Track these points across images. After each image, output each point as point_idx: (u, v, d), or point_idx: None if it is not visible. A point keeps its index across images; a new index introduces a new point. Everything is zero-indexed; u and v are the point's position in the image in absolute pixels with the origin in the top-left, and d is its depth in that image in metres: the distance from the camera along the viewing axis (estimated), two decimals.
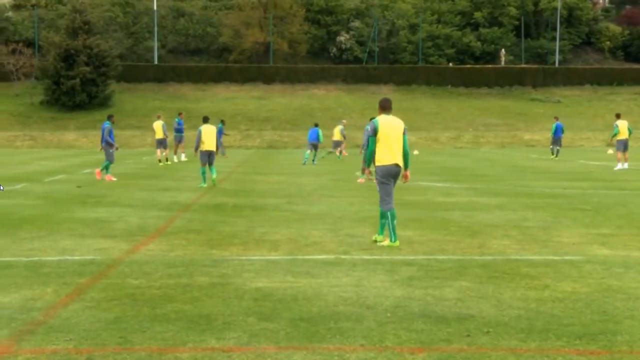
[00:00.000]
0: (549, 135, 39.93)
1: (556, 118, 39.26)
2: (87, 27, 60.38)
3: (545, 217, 13.52)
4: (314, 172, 26.29)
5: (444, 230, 11.86)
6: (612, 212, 14.31)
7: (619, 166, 27.54)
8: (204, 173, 20.10)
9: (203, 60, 72.67)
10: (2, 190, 17.44)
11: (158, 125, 30.82)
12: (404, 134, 10.41)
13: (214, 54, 74.00)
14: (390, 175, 10.42)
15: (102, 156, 23.30)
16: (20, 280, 8.08)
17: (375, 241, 10.58)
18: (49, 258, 9.37)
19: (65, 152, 43.13)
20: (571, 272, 8.55)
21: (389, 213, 10.37)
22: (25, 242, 10.58)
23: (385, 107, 10.48)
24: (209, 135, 19.81)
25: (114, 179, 21.87)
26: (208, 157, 19.85)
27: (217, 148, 20.49)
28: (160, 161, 30.40)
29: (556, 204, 15.84)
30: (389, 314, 6.67)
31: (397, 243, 10.31)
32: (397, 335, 6.01)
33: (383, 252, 9.86)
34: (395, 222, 10.39)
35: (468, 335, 6.02)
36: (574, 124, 59.46)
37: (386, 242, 10.43)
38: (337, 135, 36.45)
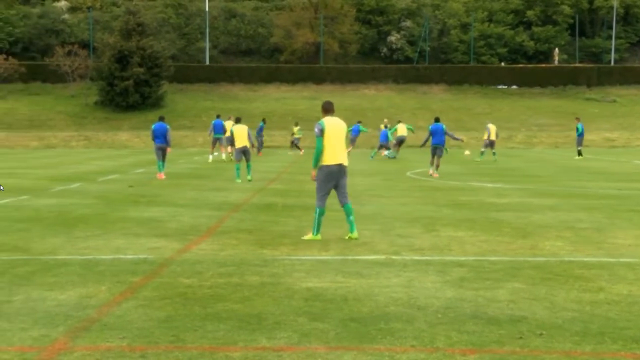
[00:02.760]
0: (575, 135, 39.10)
1: (578, 119, 38.98)
2: (140, 28, 61.22)
3: (599, 219, 13.29)
4: (365, 172, 26.25)
5: (496, 231, 11.74)
6: None
7: None
8: (238, 169, 21.79)
9: (254, 60, 73.14)
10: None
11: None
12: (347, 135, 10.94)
13: (265, 55, 74.42)
14: (332, 174, 10.88)
15: (154, 156, 23.59)
16: (75, 278, 8.23)
17: (350, 238, 10.98)
18: (103, 257, 9.52)
19: (119, 152, 43.80)
20: (627, 275, 8.39)
21: (317, 209, 10.92)
22: (80, 241, 10.77)
23: (328, 109, 10.94)
24: (241, 133, 21.67)
25: (164, 177, 22.50)
26: (243, 154, 21.71)
27: (252, 145, 22.30)
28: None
29: (611, 205, 15.56)
30: (439, 315, 6.63)
31: (319, 237, 10.88)
32: (448, 337, 5.96)
33: (434, 253, 9.80)
34: (321, 218, 10.94)
35: (520, 338, 5.95)
36: (630, 124, 58.38)
37: (308, 236, 10.93)
38: (401, 130, 36.78)
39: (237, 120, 23.17)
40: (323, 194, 11.00)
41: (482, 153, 35.00)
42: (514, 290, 7.61)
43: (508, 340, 5.88)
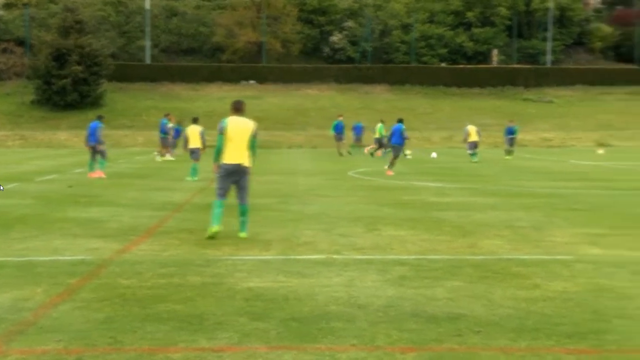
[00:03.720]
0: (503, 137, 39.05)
1: (511, 121, 39.31)
2: (78, 26, 60.18)
3: (537, 217, 13.55)
4: (308, 171, 26.30)
5: (437, 230, 11.87)
6: (604, 212, 14.36)
7: None
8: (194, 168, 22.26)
9: (196, 59, 72.57)
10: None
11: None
12: (254, 135, 11.05)
13: (206, 54, 73.91)
14: (229, 173, 11.02)
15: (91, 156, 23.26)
16: (11, 280, 8.06)
17: (239, 237, 11.06)
18: (41, 258, 9.35)
19: (57, 151, 43.02)
20: (562, 272, 8.58)
21: (216, 201, 11.06)
22: (17, 242, 10.56)
23: (235, 108, 11.09)
24: (194, 134, 22.17)
25: (104, 176, 22.22)
26: (191, 154, 22.16)
27: (203, 147, 22.14)
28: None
29: (549, 203, 15.88)
30: (380, 314, 6.68)
31: (216, 228, 10.90)
32: (389, 335, 6.02)
33: (375, 252, 9.87)
34: (218, 211, 10.95)
35: (459, 335, 6.04)
36: (566, 124, 59.63)
37: (214, 229, 10.95)
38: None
39: (194, 121, 23.34)
40: (221, 190, 11.14)
41: (472, 155, 33.77)
42: (453, 289, 7.71)
43: (447, 338, 5.96)
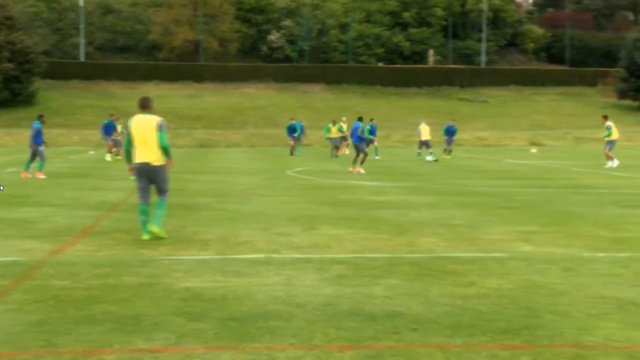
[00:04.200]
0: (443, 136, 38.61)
1: (452, 120, 39.38)
2: (9, 22, 58.87)
3: (472, 215, 13.75)
4: (246, 171, 26.21)
5: (375, 229, 11.95)
6: (536, 210, 14.66)
7: (610, 164, 27.91)
8: None
9: (131, 57, 71.69)
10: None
11: None
12: (160, 130, 10.58)
13: (143, 52, 73.07)
14: (140, 172, 10.71)
15: (28, 155, 22.77)
16: None
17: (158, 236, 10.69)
18: None
19: None
20: (496, 269, 8.72)
21: (139, 207, 10.83)
22: None
23: (141, 106, 10.81)
24: None
25: (44, 176, 21.74)
26: None
27: None
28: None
29: (483, 202, 16.14)
30: (318, 313, 6.69)
31: (147, 237, 10.60)
32: (326, 334, 6.03)
33: (313, 251, 9.89)
34: (143, 218, 10.71)
35: (396, 333, 6.08)
36: (501, 124, 60.71)
37: (144, 238, 10.64)
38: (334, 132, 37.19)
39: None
40: (139, 192, 10.89)
41: (418, 154, 34.02)
42: (390, 287, 7.77)
43: (384, 336, 6.01)
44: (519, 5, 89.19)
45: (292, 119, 41.06)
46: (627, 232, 11.72)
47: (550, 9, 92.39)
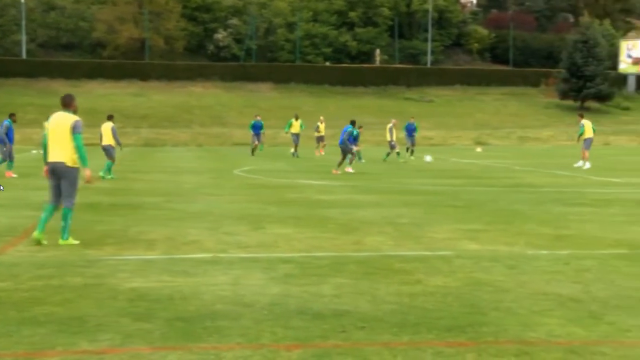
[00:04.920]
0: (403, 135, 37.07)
1: (412, 118, 38.54)
2: None
3: (419, 214, 13.88)
4: (193, 170, 26.03)
5: (322, 228, 11.97)
6: (482, 208, 14.85)
7: (581, 164, 27.71)
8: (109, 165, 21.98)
9: (75, 55, 70.58)
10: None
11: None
12: (73, 132, 10.01)
13: (87, 50, 71.99)
14: (50, 172, 10.21)
15: None
16: None
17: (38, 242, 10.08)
18: None
19: None
20: (442, 267, 8.82)
21: (45, 205, 10.53)
22: None
23: (62, 103, 10.39)
24: (106, 131, 22.01)
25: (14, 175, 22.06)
26: (104, 152, 21.85)
27: (118, 143, 22.28)
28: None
29: (430, 200, 16.29)
30: (265, 312, 6.69)
31: (41, 236, 10.05)
32: (274, 333, 6.03)
33: (261, 250, 9.87)
34: (43, 216, 10.24)
35: (343, 331, 6.11)
36: (446, 123, 61.34)
37: (34, 235, 10.15)
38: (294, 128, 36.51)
39: (108, 118, 22.82)
40: (49, 191, 10.40)
41: (398, 154, 33.07)
42: (338, 285, 7.80)
43: (332, 334, 6.03)
44: (463, 6, 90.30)
45: (257, 115, 39.78)
46: (568, 229, 11.96)
47: (494, 10, 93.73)
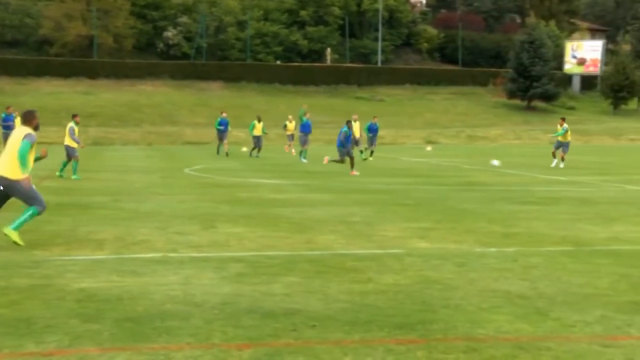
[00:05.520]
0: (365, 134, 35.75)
1: (374, 117, 36.96)
2: None
3: (370, 213, 13.95)
4: (144, 169, 25.77)
5: (274, 227, 11.97)
6: (432, 207, 15.00)
7: (555, 164, 27.90)
8: (65, 165, 21.89)
9: (21, 52, 69.27)
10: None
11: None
12: (23, 139, 9.73)
13: (33, 47, 70.70)
14: None
15: None
16: None
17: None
18: None
19: None
20: (394, 265, 8.88)
21: None
22: None
23: (21, 120, 10.29)
24: (66, 132, 21.67)
25: None
26: (65, 151, 21.70)
27: (78, 142, 21.81)
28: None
29: (381, 199, 16.39)
30: (216, 311, 6.66)
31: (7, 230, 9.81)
32: (224, 332, 6.01)
33: (212, 250, 9.83)
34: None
35: (295, 330, 6.12)
36: (397, 122, 61.72)
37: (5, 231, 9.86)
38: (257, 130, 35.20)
39: (72, 117, 22.39)
40: None
41: (361, 152, 32.78)
42: (289, 284, 7.80)
43: (283, 333, 6.03)
44: (413, 6, 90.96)
45: (223, 112, 38.66)
46: (516, 227, 12.14)
47: (443, 10, 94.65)
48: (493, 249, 10.06)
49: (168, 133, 52.51)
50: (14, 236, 9.81)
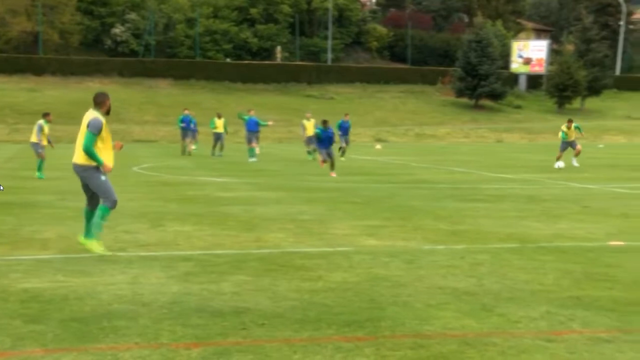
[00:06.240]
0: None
1: (346, 114, 35.97)
2: None
3: (320, 210, 13.98)
4: None
5: (223, 225, 11.92)
6: (381, 205, 15.09)
7: (562, 164, 26.52)
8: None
9: None
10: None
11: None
12: (87, 129, 9.23)
13: None
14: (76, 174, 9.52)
15: None
16: None
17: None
18: None
19: None
20: (343, 263, 8.92)
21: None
22: None
23: (93, 101, 9.52)
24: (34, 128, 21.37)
25: None
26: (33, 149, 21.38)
27: (49, 141, 21.68)
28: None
29: (330, 197, 16.43)
30: (165, 311, 6.61)
31: (84, 241, 9.35)
32: (173, 332, 5.97)
33: (160, 249, 9.75)
34: (86, 220, 9.51)
35: (244, 328, 6.11)
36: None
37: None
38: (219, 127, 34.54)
39: (43, 116, 22.05)
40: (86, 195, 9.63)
41: (309, 153, 32.03)
42: (238, 283, 7.78)
43: (232, 332, 6.01)
44: (363, 5, 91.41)
45: (186, 109, 37.75)
46: (463, 224, 12.28)
47: (392, 9, 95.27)
48: (441, 246, 10.16)
49: (116, 131, 51.77)
50: (88, 244, 9.25)
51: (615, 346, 5.80)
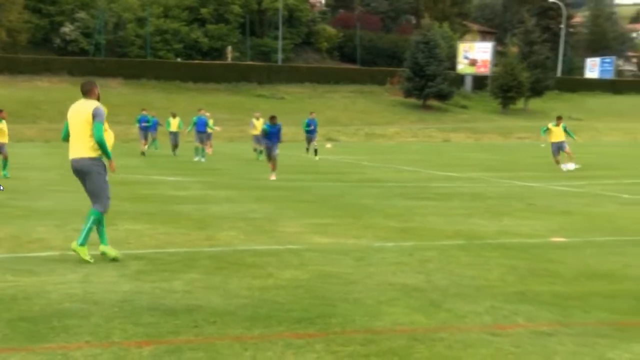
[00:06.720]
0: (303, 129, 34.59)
1: (312, 113, 35.48)
2: None
3: (270, 209, 14.05)
4: (43, 166, 25.11)
5: (175, 224, 11.91)
6: (331, 203, 15.21)
7: (565, 166, 25.16)
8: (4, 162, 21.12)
9: None
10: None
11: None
12: (94, 120, 8.73)
13: None
14: (73, 172, 9.11)
15: None
16: None
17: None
18: None
19: None
20: (293, 261, 9.00)
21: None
22: None
23: (81, 90, 9.08)
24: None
25: None
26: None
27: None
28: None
29: (281, 196, 16.51)
30: (116, 309, 6.62)
31: (105, 249, 9.05)
32: (124, 330, 5.99)
33: (112, 247, 9.69)
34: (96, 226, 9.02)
35: (195, 327, 6.15)
36: (297, 120, 61.97)
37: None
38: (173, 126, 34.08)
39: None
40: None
41: (257, 151, 31.32)
42: (190, 281, 7.82)
43: (184, 330, 6.06)
44: (312, 5, 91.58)
45: (144, 109, 37.20)
46: (412, 222, 12.47)
47: (341, 10, 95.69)
48: (391, 244, 10.32)
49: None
50: (79, 250, 8.81)
51: (556, 339, 6.00)
